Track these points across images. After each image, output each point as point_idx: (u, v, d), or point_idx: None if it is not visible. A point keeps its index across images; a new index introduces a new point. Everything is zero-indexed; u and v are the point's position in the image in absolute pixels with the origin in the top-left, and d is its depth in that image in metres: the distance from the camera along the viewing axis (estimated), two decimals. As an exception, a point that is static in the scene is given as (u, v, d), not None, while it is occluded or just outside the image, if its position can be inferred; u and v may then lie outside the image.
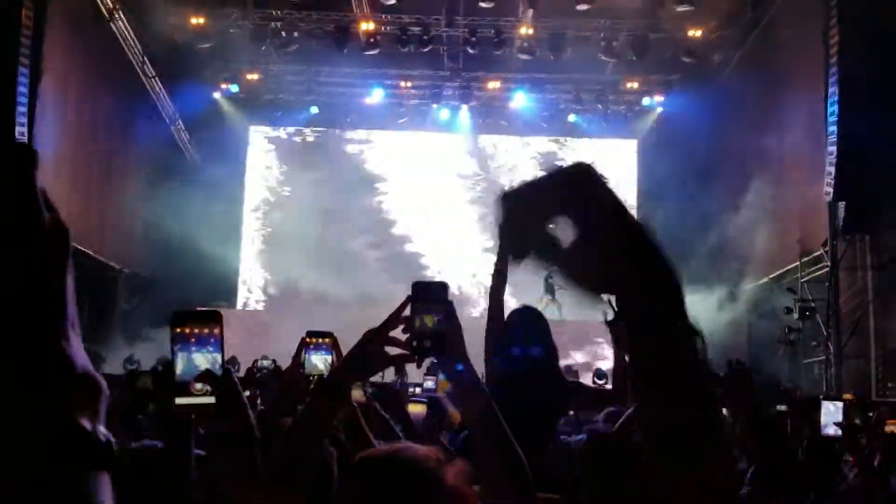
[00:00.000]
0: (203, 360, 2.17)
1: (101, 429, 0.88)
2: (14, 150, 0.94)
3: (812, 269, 15.96)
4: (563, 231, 1.02)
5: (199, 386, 2.15)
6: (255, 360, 13.63)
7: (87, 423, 0.84)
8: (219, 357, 2.17)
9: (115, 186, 18.71)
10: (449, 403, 4.65)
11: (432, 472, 1.59)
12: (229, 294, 21.02)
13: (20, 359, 0.82)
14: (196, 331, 2.19)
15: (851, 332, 14.46)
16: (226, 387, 2.19)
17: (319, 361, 2.90)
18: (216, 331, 2.19)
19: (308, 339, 2.94)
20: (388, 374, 16.46)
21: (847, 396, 12.98)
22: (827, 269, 15.09)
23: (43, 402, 0.82)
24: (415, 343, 1.92)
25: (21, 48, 13.87)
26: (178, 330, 2.19)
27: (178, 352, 2.18)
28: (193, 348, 2.17)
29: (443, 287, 1.97)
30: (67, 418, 0.82)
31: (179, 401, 2.18)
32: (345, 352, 2.32)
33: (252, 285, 21.94)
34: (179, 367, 2.17)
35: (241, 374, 15.11)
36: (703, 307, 17.97)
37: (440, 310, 1.93)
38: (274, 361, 12.08)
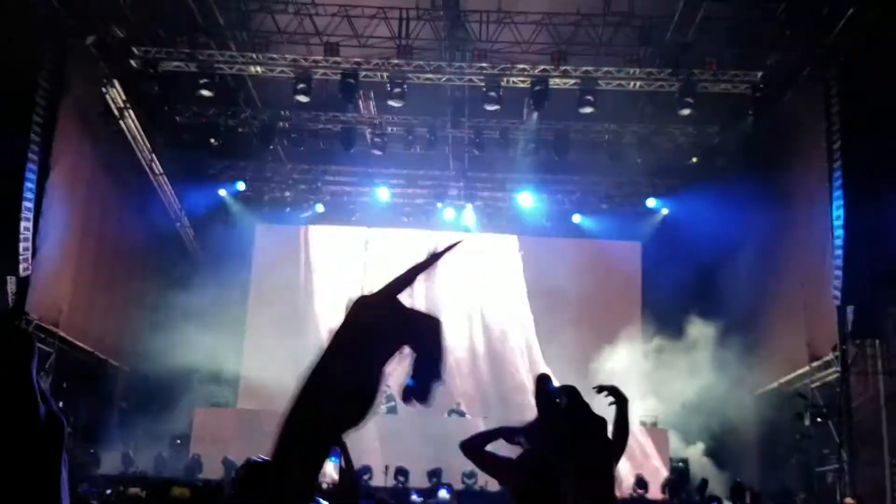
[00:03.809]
0: None
1: None
2: (13, 342, 0.89)
3: (822, 373, 15.71)
4: None
5: None
6: (248, 460, 12.92)
7: None
8: None
9: (118, 283, 18.64)
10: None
11: None
12: (229, 392, 20.72)
13: None
14: None
15: (864, 438, 14.13)
16: None
17: (329, 466, 2.76)
18: None
19: None
20: (389, 477, 16.12)
21: (848, 501, 12.64)
22: (837, 374, 14.85)
23: None
24: None
25: (31, 144, 14.01)
26: None
27: None
28: None
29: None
30: None
31: None
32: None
33: (252, 384, 21.62)
34: None
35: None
36: (712, 414, 17.69)
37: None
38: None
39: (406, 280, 1.23)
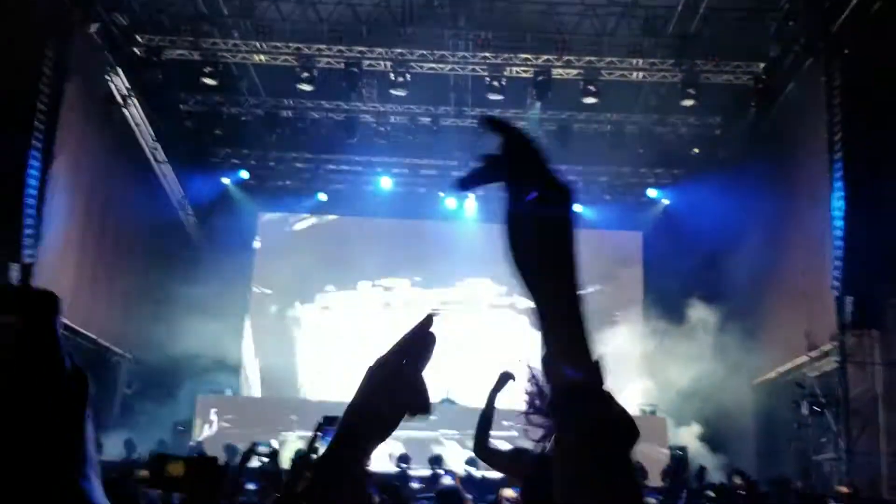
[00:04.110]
0: None
1: None
2: (37, 298, 0.93)
3: (820, 363, 15.78)
4: None
5: None
6: (253, 443, 12.92)
7: None
8: None
9: (121, 271, 18.71)
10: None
11: None
12: (232, 380, 20.84)
13: (44, 496, 0.83)
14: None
15: (861, 428, 14.21)
16: None
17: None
18: None
19: (323, 425, 2.85)
20: (391, 463, 16.20)
21: (841, 489, 12.70)
22: (836, 364, 14.91)
23: None
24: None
25: (34, 132, 14.07)
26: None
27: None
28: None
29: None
30: None
31: None
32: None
33: (255, 372, 21.76)
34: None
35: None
36: (710, 401, 17.77)
37: None
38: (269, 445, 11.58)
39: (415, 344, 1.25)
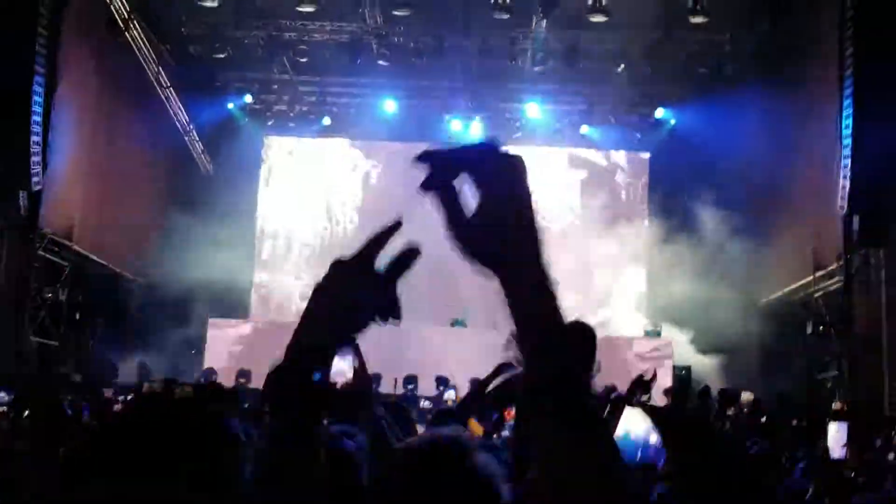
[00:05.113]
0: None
1: None
2: None
3: (826, 282, 15.85)
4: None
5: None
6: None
7: None
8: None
9: (129, 196, 18.70)
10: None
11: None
12: (242, 305, 21.03)
13: None
14: None
15: (865, 347, 14.32)
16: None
17: (341, 363, 2.88)
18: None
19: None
20: (398, 387, 16.43)
21: (837, 406, 12.87)
22: (841, 283, 14.97)
23: None
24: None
25: (37, 57, 13.92)
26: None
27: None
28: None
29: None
30: None
31: None
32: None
33: (265, 296, 21.94)
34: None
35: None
36: (717, 321, 17.91)
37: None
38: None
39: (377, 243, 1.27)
